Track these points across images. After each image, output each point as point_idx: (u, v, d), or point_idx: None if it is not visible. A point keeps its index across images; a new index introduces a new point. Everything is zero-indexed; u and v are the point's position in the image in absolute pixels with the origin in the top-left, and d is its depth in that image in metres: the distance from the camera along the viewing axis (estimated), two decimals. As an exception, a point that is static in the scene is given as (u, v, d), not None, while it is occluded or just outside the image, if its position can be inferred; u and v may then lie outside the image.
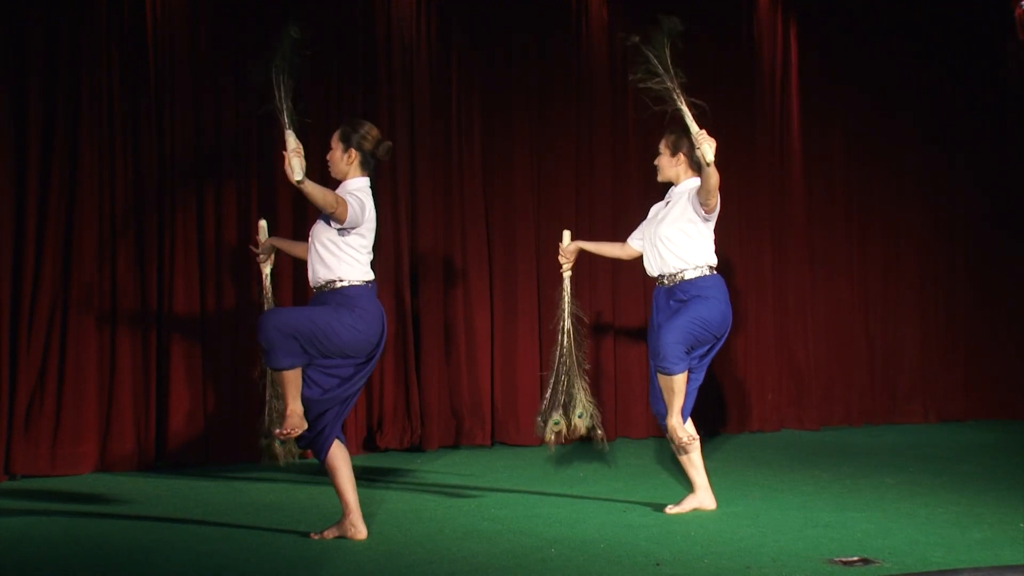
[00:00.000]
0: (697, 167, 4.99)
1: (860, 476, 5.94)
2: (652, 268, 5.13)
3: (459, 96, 7.08)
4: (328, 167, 4.62)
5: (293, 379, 4.45)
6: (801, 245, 7.97)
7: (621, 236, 7.24)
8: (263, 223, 5.08)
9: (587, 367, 5.37)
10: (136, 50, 6.22)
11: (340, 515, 4.54)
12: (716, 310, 4.97)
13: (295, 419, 4.45)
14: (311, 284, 4.57)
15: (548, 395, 5.22)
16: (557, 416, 5.18)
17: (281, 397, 4.59)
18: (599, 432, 5.29)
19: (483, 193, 7.14)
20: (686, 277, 5.00)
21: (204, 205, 6.33)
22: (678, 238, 5.01)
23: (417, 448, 6.78)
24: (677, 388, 4.92)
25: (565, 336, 5.25)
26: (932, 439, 7.42)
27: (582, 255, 5.46)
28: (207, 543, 4.42)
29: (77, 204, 6.02)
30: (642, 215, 5.41)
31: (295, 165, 4.27)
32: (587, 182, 7.41)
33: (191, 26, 6.36)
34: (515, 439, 7.04)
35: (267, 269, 5.05)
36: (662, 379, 4.95)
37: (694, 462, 5.08)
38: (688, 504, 5.04)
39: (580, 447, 7.07)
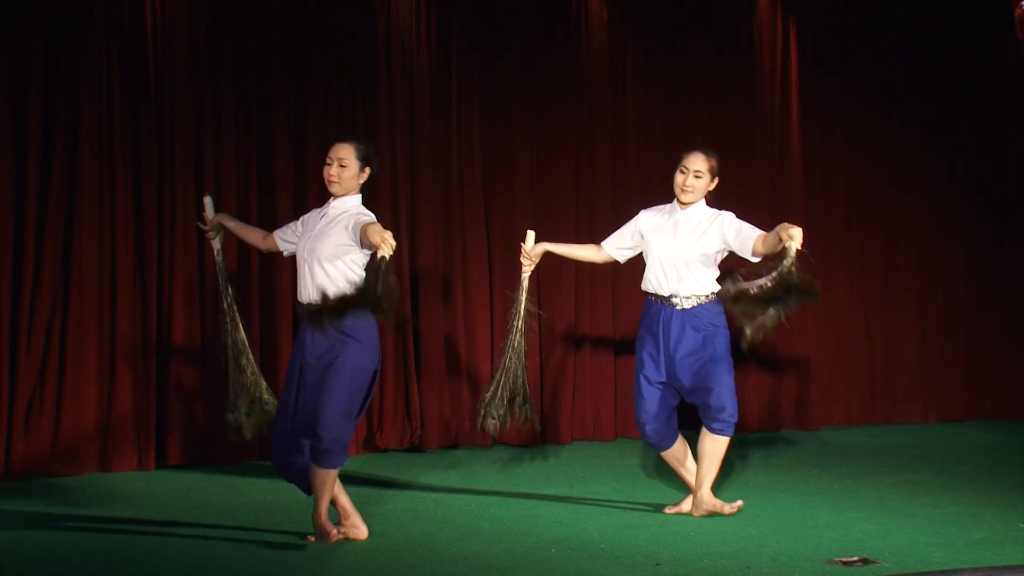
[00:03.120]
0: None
1: (860, 476, 5.95)
2: (663, 287, 5.00)
3: (459, 96, 7.08)
4: (331, 179, 4.52)
5: (336, 476, 4.43)
6: (801, 245, 7.95)
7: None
8: (208, 199, 5.02)
9: (530, 360, 5.30)
10: (136, 50, 6.22)
11: (339, 517, 4.54)
12: (729, 339, 4.97)
13: (333, 532, 4.40)
14: (309, 300, 4.43)
15: (493, 389, 5.13)
16: (503, 410, 5.12)
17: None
18: (534, 420, 5.18)
19: (483, 194, 7.13)
20: (700, 303, 4.94)
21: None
22: (705, 263, 4.95)
23: (417, 448, 6.78)
24: (726, 451, 4.98)
25: (517, 334, 5.15)
26: (932, 439, 7.43)
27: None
28: (207, 543, 4.42)
29: (77, 204, 6.01)
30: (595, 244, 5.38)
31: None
32: (587, 183, 7.40)
33: (191, 26, 6.35)
34: (514, 439, 7.03)
35: (217, 245, 5.01)
36: (718, 441, 4.93)
37: (689, 469, 5.08)
38: (687, 505, 5.04)
39: (582, 447, 7.08)
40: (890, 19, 8.27)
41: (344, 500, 4.54)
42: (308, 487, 4.50)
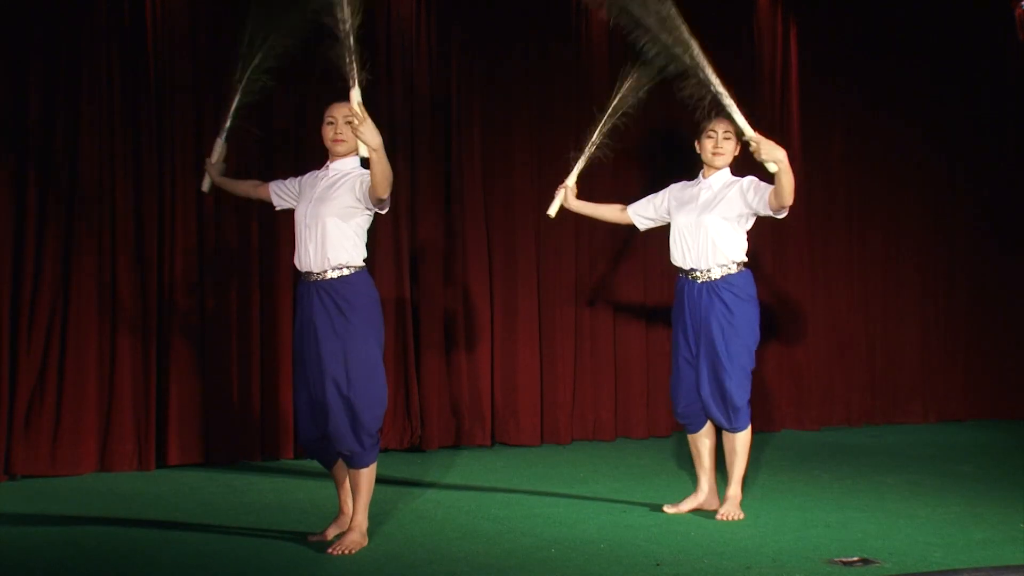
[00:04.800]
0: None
1: (860, 476, 5.95)
2: (685, 260, 4.92)
3: (459, 97, 7.07)
4: (338, 137, 4.43)
5: (372, 475, 4.38)
6: (801, 245, 7.97)
7: (622, 239, 7.30)
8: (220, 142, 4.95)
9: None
10: (136, 50, 6.22)
11: (338, 512, 4.55)
12: (757, 312, 4.89)
13: (357, 536, 4.32)
14: (310, 267, 4.35)
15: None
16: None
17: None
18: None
19: (483, 193, 7.13)
20: (725, 273, 4.84)
21: (203, 205, 6.32)
22: (728, 231, 4.84)
23: (417, 448, 6.79)
24: (748, 445, 4.93)
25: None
26: (932, 439, 7.43)
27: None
28: (207, 544, 4.42)
29: (77, 204, 6.02)
30: (620, 204, 5.34)
31: (369, 135, 4.10)
32: (587, 183, 7.38)
33: (191, 26, 6.36)
34: (515, 439, 7.04)
35: (207, 184, 5.00)
36: (733, 439, 4.89)
37: (704, 467, 5.06)
38: (688, 504, 5.03)
39: (582, 447, 7.07)
40: (890, 20, 8.28)
41: (346, 497, 4.54)
42: (330, 463, 4.49)
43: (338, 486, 4.56)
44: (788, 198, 4.63)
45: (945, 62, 8.40)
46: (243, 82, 4.78)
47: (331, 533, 4.49)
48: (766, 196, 4.73)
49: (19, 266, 5.86)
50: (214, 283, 6.38)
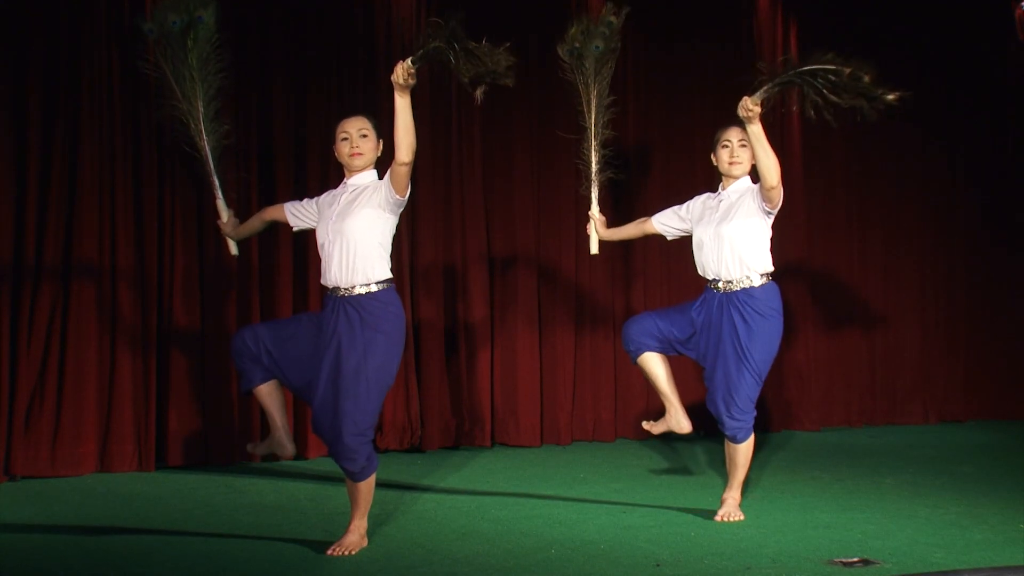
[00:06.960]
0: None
1: (860, 477, 5.94)
2: (707, 271, 4.88)
3: (459, 97, 7.07)
4: (355, 151, 4.44)
5: (372, 487, 4.36)
6: (801, 245, 7.97)
7: (622, 239, 7.28)
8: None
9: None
10: (136, 53, 6.21)
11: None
12: (779, 327, 4.81)
13: (356, 538, 4.31)
14: (337, 283, 4.32)
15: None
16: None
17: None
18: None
19: (483, 194, 7.13)
20: (746, 285, 4.77)
21: (204, 205, 6.32)
22: (746, 242, 4.77)
23: (417, 449, 6.78)
24: (750, 455, 4.90)
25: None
26: (932, 439, 7.43)
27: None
28: (207, 544, 4.42)
29: (77, 204, 6.02)
30: (642, 217, 5.36)
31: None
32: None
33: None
34: (515, 440, 7.04)
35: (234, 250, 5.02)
36: (733, 449, 4.87)
37: (663, 390, 4.99)
38: (659, 427, 5.02)
39: (582, 448, 7.07)
40: (890, 20, 8.27)
41: (273, 411, 4.50)
42: (256, 381, 4.45)
43: (266, 404, 4.48)
44: (767, 172, 4.62)
45: (945, 62, 8.40)
46: (204, 139, 4.79)
47: (262, 449, 4.53)
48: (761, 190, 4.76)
49: (19, 266, 5.86)
50: (214, 283, 6.37)
